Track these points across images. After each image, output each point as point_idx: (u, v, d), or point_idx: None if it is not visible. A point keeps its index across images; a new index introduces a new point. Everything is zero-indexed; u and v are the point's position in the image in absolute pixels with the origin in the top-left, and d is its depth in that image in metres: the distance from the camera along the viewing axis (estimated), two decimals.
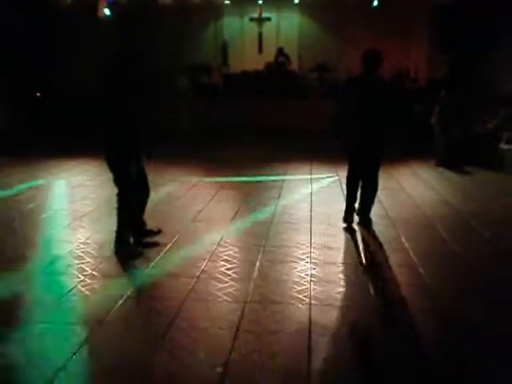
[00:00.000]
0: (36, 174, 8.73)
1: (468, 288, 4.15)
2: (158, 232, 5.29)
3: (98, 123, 4.80)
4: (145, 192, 5.11)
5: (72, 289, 4.04)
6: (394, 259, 4.74)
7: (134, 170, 4.85)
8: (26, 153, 10.76)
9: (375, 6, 13.67)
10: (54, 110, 13.11)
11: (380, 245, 5.12)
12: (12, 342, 3.26)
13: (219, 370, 2.95)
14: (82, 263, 4.59)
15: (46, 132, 12.45)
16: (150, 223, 5.29)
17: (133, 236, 5.06)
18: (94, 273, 4.38)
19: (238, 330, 3.40)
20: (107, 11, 13.94)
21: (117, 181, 4.87)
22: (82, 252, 4.88)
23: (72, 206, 6.66)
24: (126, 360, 3.07)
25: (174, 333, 3.37)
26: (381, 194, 7.16)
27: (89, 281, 4.20)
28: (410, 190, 7.53)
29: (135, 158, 4.86)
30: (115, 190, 4.90)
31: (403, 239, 5.25)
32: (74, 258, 4.74)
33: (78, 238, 5.29)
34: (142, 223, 5.21)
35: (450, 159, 9.31)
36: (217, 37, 15.66)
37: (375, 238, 5.33)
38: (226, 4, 14.99)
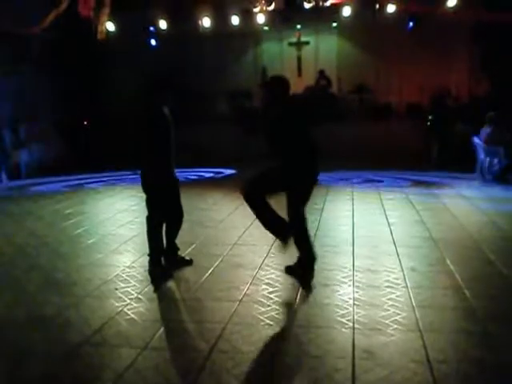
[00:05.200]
0: (84, 200, 9.03)
1: None
2: (190, 261, 5.29)
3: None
4: (179, 216, 5.25)
5: (118, 312, 4.15)
6: (438, 281, 4.65)
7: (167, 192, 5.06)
8: (75, 178, 11.17)
9: (412, 27, 13.62)
10: (100, 137, 13.58)
11: (424, 267, 5.03)
12: (59, 364, 3.37)
13: None
14: (128, 286, 4.71)
15: (93, 158, 12.88)
16: (191, 247, 5.37)
17: (165, 258, 5.23)
18: (139, 296, 4.49)
19: (280, 354, 3.40)
20: (153, 41, 14.50)
21: (149, 201, 5.07)
22: (128, 276, 5.01)
23: (118, 230, 6.85)
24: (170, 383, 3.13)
25: (216, 356, 3.40)
26: (424, 215, 7.08)
27: (134, 304, 4.31)
28: (454, 210, 7.38)
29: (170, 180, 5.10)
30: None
31: (448, 261, 5.14)
32: (121, 281, 4.87)
33: (124, 262, 5.44)
34: (175, 247, 5.31)
35: (496, 178, 9.08)
36: (256, 62, 15.90)
37: (419, 260, 5.24)
38: (265, 30, 15.25)
